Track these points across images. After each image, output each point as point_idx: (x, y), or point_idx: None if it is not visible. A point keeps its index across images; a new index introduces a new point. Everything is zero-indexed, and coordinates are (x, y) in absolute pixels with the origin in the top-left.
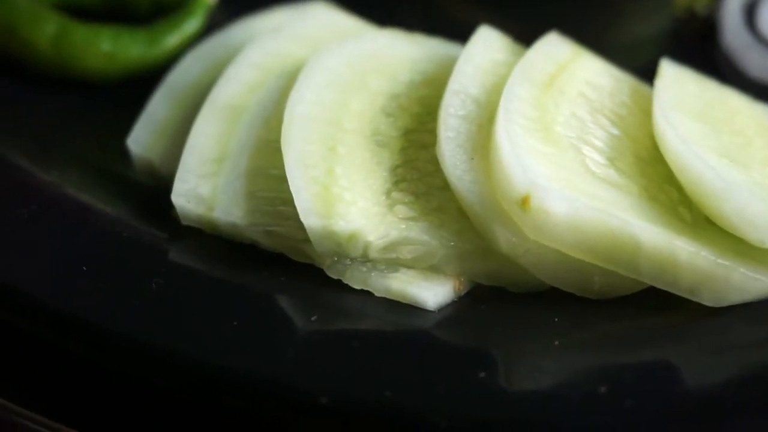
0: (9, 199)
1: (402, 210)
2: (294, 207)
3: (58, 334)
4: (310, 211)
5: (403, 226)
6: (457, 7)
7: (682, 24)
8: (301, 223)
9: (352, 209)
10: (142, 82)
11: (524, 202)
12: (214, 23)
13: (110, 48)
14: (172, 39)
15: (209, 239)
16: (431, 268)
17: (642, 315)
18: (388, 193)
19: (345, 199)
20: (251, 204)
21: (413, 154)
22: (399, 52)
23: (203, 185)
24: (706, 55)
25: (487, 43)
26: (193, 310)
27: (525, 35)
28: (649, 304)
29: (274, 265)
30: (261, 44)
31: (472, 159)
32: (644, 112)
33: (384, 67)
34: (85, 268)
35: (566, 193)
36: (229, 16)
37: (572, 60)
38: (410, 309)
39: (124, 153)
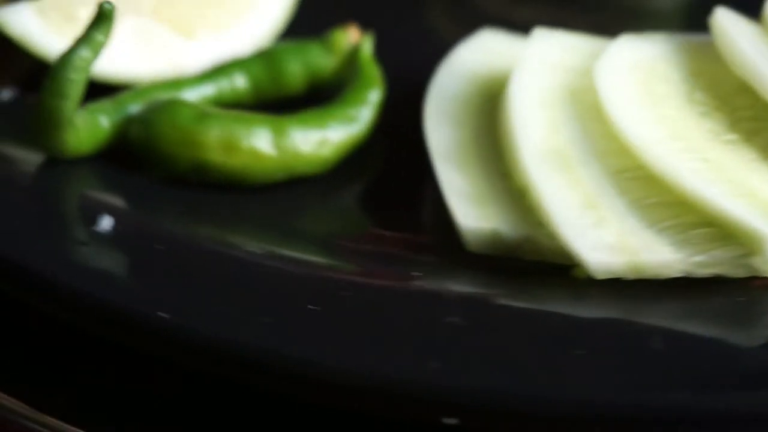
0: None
1: None
2: (712, 228)
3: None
4: None
5: None
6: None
7: None
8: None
9: None
10: None
11: None
12: None
13: (324, 136)
14: (367, 112)
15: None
16: None
17: None
18: None
19: None
20: (666, 238)
21: (760, 143)
22: (643, 55)
23: (603, 234)
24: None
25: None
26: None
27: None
28: None
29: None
30: (522, 83)
31: None
32: None
33: (652, 73)
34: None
35: None
36: None
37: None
38: None
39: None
